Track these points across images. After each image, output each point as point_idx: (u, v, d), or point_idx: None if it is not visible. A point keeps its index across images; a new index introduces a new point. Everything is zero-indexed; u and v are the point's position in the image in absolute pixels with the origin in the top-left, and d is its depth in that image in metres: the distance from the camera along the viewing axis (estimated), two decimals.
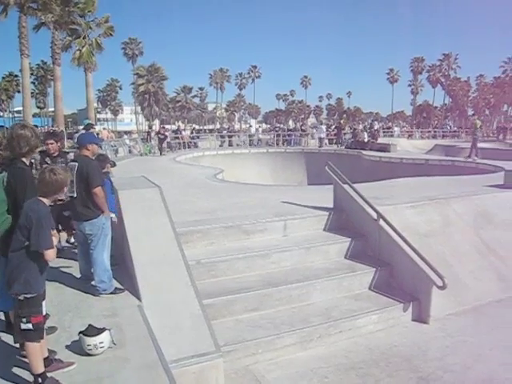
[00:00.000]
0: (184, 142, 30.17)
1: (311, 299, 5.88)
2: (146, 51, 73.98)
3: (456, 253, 7.26)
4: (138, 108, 70.00)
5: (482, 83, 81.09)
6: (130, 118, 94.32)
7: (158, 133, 27.58)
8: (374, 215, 6.89)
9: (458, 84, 78.66)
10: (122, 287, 4.99)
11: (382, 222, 6.73)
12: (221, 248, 6.38)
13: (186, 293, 4.72)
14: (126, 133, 51.49)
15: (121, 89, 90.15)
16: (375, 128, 33.53)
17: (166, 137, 26.50)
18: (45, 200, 3.26)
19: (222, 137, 35.33)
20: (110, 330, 3.72)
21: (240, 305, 5.47)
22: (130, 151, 27.21)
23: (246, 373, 4.71)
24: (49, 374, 3.17)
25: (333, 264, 6.54)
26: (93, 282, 4.93)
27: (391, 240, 6.47)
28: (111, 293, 4.87)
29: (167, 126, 41.66)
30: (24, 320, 3.08)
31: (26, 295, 3.09)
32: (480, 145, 31.50)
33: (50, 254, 3.16)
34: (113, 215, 5.39)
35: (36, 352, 3.12)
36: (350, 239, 6.91)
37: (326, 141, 32.50)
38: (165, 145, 26.20)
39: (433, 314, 5.93)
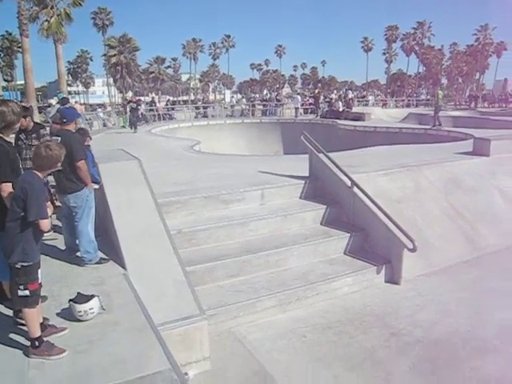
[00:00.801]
0: (159, 114, 29.82)
1: (289, 264, 6.11)
2: (117, 21, 71.81)
3: (427, 217, 7.56)
4: (111, 80, 68.26)
5: (455, 51, 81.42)
6: (102, 90, 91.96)
7: (129, 101, 25.05)
8: (349, 183, 7.11)
9: (432, 52, 78.84)
10: (106, 257, 5.12)
11: (356, 190, 6.95)
12: (200, 217, 6.54)
13: (169, 261, 4.87)
14: (98, 105, 50.39)
15: (91, 60, 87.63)
16: (350, 97, 33.61)
17: (138, 106, 24.20)
18: (39, 173, 3.38)
19: (197, 108, 34.99)
20: (98, 296, 3.87)
21: (221, 271, 5.66)
22: (104, 125, 26.77)
23: (228, 335, 4.94)
24: (44, 339, 3.33)
25: (309, 230, 6.77)
26: (78, 253, 5.04)
27: (365, 206, 6.72)
28: (96, 263, 5.00)
29: (141, 98, 40.89)
30: (21, 287, 3.22)
31: (23, 263, 3.21)
32: (452, 113, 32.16)
33: (45, 224, 3.30)
34: (96, 186, 5.46)
35: (33, 317, 3.28)
36: (325, 206, 7.13)
37: (301, 110, 32.56)
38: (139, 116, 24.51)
39: (404, 275, 6.24)
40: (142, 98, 43.38)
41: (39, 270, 3.35)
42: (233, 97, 52.22)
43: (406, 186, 8.11)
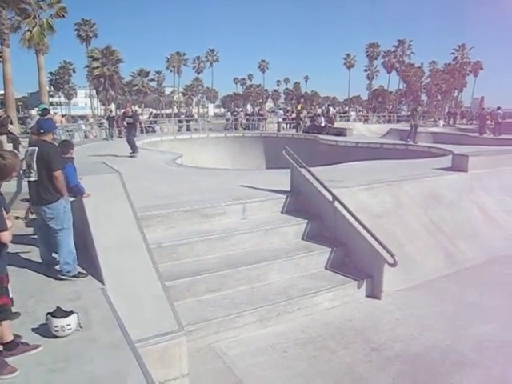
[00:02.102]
0: (142, 127, 29.68)
1: (270, 279, 6.09)
2: (101, 33, 71.66)
3: (407, 232, 7.64)
4: (93, 92, 67.92)
5: (434, 69, 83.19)
6: (84, 101, 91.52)
7: (124, 115, 18.30)
8: (330, 197, 7.15)
9: (412, 70, 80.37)
10: (85, 272, 5.03)
11: (337, 204, 6.99)
12: (181, 231, 6.48)
13: (148, 275, 4.81)
14: (80, 117, 50.02)
15: (74, 72, 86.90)
16: (332, 112, 33.97)
17: (136, 120, 17.88)
18: None
19: (180, 121, 34.92)
20: (77, 313, 3.80)
21: (201, 286, 5.61)
22: (86, 136, 26.53)
23: (208, 350, 4.89)
24: (15, 357, 3.22)
25: (290, 245, 6.77)
26: (57, 267, 4.96)
27: (346, 221, 6.75)
28: (74, 276, 4.92)
29: (137, 109, 40.61)
30: None
31: None
32: (432, 129, 32.72)
33: (5, 236, 3.20)
34: (71, 199, 5.40)
35: None
36: (306, 221, 7.15)
37: (284, 125, 32.76)
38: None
39: (385, 289, 6.27)
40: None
41: (8, 285, 3.25)
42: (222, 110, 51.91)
43: (387, 201, 8.19)
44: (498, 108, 29.15)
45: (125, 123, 16.98)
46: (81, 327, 3.79)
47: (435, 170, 10.63)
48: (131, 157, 15.22)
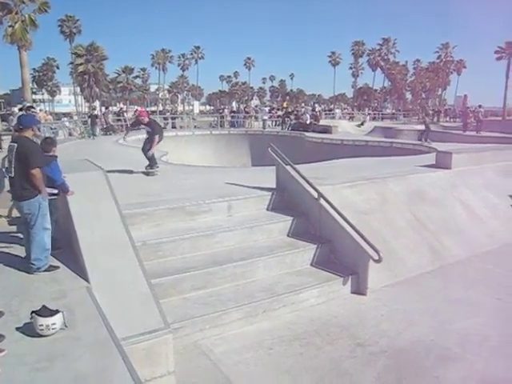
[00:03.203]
0: (127, 124, 29.43)
1: (255, 276, 6.09)
2: (85, 30, 70.48)
3: (392, 229, 7.70)
4: (77, 89, 67.08)
5: (418, 67, 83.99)
6: (68, 99, 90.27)
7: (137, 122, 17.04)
8: (315, 195, 7.17)
9: (397, 68, 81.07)
10: (55, 265, 5.03)
11: (322, 201, 7.02)
12: (166, 229, 6.45)
13: (134, 273, 4.78)
14: (64, 114, 49.42)
15: (58, 68, 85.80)
16: (317, 110, 34.08)
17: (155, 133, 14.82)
18: None
19: (166, 119, 34.74)
20: (63, 312, 3.76)
21: (187, 283, 5.59)
22: (70, 134, 26.23)
23: (194, 348, 4.87)
24: None
25: (276, 242, 6.78)
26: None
27: (331, 218, 6.78)
28: (45, 270, 4.92)
29: (109, 108, 40.23)
30: None
31: None
32: (416, 127, 33.04)
33: None
34: (51, 196, 5.35)
35: None
36: (292, 218, 7.16)
37: (269, 122, 32.79)
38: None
39: (370, 286, 6.31)
40: (109, 108, 42.77)
41: None
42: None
43: (372, 197, 8.25)
44: (480, 106, 29.64)
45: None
46: (66, 326, 3.76)
47: (419, 168, 10.73)
48: (148, 173, 10.56)
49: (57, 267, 5.01)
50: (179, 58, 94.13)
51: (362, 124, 35.57)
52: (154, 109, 78.01)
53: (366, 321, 5.49)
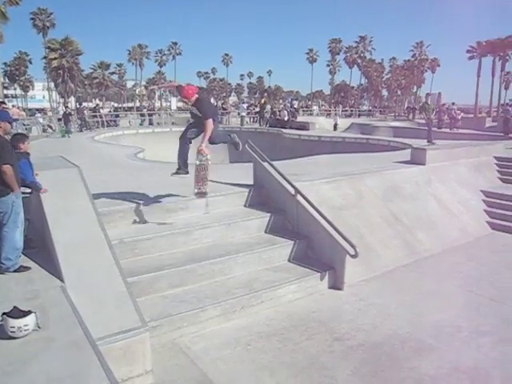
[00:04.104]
0: (103, 121, 29.08)
1: (233, 273, 6.09)
2: (59, 23, 69.04)
3: (368, 224, 7.80)
4: (52, 84, 65.80)
5: (394, 65, 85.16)
6: (42, 94, 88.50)
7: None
8: (292, 191, 7.21)
9: (373, 65, 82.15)
10: (27, 266, 4.94)
11: (299, 197, 7.06)
12: (143, 227, 6.39)
13: (110, 272, 4.73)
14: (38, 110, 48.44)
15: (31, 63, 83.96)
16: (295, 107, 34.22)
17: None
18: None
19: (143, 115, 34.41)
20: (35, 312, 3.69)
21: (164, 281, 5.55)
22: (44, 130, 25.76)
23: (172, 346, 4.85)
24: None
25: (253, 238, 6.79)
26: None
27: (308, 214, 6.83)
28: (15, 270, 4.83)
29: (84, 104, 39.70)
30: None
31: None
32: (392, 123, 33.49)
33: None
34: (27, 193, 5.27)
35: None
36: (269, 214, 7.19)
37: (247, 119, 32.79)
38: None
39: (347, 280, 6.38)
40: (85, 104, 42.17)
41: None
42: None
43: (348, 193, 8.34)
44: (453, 103, 30.22)
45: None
46: (39, 327, 3.69)
47: (395, 163, 10.89)
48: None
49: (28, 268, 4.91)
50: (156, 53, 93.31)
51: (335, 126, 33.48)
52: (130, 105, 77.15)
53: (343, 315, 5.56)
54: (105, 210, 6.12)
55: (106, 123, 28.95)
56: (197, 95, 6.52)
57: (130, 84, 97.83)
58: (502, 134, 21.92)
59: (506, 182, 11.55)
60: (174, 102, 56.58)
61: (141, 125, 31.13)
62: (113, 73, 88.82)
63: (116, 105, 68.43)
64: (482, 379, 4.33)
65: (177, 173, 7.02)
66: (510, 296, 6.15)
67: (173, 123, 32.99)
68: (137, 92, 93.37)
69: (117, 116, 33.91)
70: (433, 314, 5.59)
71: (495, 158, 12.49)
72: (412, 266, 7.25)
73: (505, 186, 11.19)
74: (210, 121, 6.39)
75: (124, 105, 79.71)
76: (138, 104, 76.49)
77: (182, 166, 7.06)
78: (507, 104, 29.75)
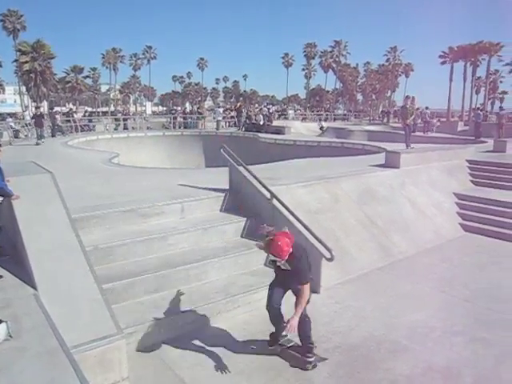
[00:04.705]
0: (76, 126, 28.62)
1: (209, 278, 6.08)
2: (30, 26, 67.65)
3: (343, 227, 7.88)
4: (23, 88, 64.45)
5: (368, 70, 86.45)
6: (13, 98, 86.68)
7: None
8: (268, 195, 7.23)
9: (348, 70, 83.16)
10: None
11: (275, 202, 7.08)
12: (119, 232, 6.32)
13: (84, 278, 4.64)
14: (9, 115, 47.37)
15: (1, 66, 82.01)
16: (270, 111, 34.37)
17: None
18: None
19: (117, 120, 34.00)
20: (6, 322, 3.60)
21: (140, 287, 5.50)
22: (16, 136, 25.18)
23: (149, 352, 4.81)
24: None
25: (230, 243, 6.79)
26: None
27: (284, 218, 6.84)
28: None
29: (57, 108, 39.03)
30: None
31: None
32: (367, 127, 33.89)
33: None
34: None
35: None
36: (245, 219, 7.20)
37: (223, 123, 32.77)
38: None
39: (323, 284, 6.42)
40: (58, 108, 41.44)
41: None
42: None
43: (324, 197, 8.41)
44: (426, 108, 30.83)
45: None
46: (11, 336, 3.60)
47: (370, 167, 11.04)
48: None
49: (0, 276, 4.80)
50: (131, 57, 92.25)
51: (322, 129, 32.77)
52: (105, 109, 76.09)
53: (320, 318, 5.59)
54: (79, 216, 6.04)
55: (80, 128, 28.49)
56: (291, 249, 4.45)
57: (104, 88, 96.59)
58: (473, 138, 22.47)
59: (478, 184, 11.84)
60: (149, 107, 56.26)
61: (115, 129, 30.72)
62: (86, 77, 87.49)
63: (90, 109, 67.32)
64: (454, 378, 4.42)
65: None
66: (482, 296, 6.31)
67: (148, 128, 32.74)
68: (111, 96, 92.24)
69: (90, 121, 33.37)
70: (407, 316, 5.68)
71: (467, 161, 12.80)
72: (387, 269, 7.35)
73: (476, 189, 11.46)
74: (308, 286, 4.52)
75: (98, 109, 78.44)
76: (112, 108, 75.57)
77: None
78: (478, 108, 30.59)
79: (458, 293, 6.42)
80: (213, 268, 6.14)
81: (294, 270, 4.51)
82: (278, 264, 4.56)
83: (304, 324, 4.60)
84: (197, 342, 5.03)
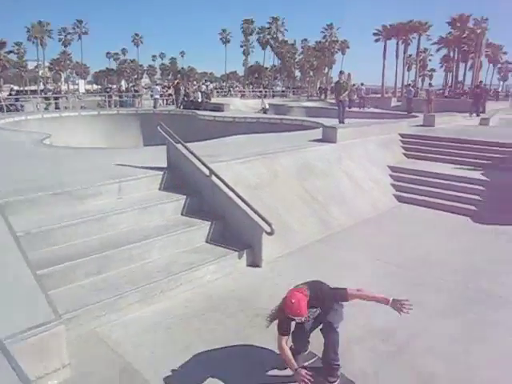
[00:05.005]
0: (2, 105, 26.94)
1: (151, 257, 6.01)
2: None
3: (284, 202, 8.02)
4: None
5: (306, 47, 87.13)
6: None
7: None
8: (207, 172, 7.20)
9: (286, 47, 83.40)
10: None
11: (214, 178, 7.08)
12: (53, 216, 6.05)
13: (17, 266, 4.44)
14: None
15: None
16: (209, 88, 33.97)
17: None
18: None
19: (47, 99, 32.31)
20: None
21: (80, 270, 5.34)
22: None
23: (90, 336, 4.69)
24: None
25: (170, 221, 6.73)
26: None
27: (224, 194, 6.88)
28: None
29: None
30: None
31: None
32: (305, 104, 34.35)
33: None
34: None
35: None
36: (185, 196, 7.14)
37: (161, 101, 32.06)
38: None
39: (265, 258, 6.54)
40: None
41: None
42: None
43: (263, 172, 8.50)
44: (362, 84, 31.66)
45: None
46: None
47: (308, 142, 11.24)
48: None
49: None
50: (60, 32, 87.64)
51: (264, 108, 31.08)
52: (33, 88, 72.07)
53: (263, 291, 5.70)
54: (8, 200, 5.76)
55: (6, 108, 26.83)
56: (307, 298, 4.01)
57: (31, 65, 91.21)
58: (405, 113, 23.43)
59: (409, 157, 12.41)
60: (82, 85, 53.89)
61: (46, 109, 29.21)
62: (10, 52, 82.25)
63: (17, 88, 63.51)
64: (390, 337, 4.70)
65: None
66: (415, 262, 6.68)
67: (82, 107, 31.43)
68: (40, 74, 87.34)
69: (17, 100, 31.51)
70: (345, 283, 5.85)
71: (400, 134, 13.34)
72: (326, 240, 7.59)
73: (407, 161, 12.01)
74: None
75: (26, 88, 74.12)
76: (42, 87, 71.61)
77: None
78: (409, 85, 31.83)
79: (393, 260, 6.74)
80: (154, 247, 6.07)
81: (325, 309, 4.13)
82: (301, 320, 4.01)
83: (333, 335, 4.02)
84: (140, 322, 4.98)
